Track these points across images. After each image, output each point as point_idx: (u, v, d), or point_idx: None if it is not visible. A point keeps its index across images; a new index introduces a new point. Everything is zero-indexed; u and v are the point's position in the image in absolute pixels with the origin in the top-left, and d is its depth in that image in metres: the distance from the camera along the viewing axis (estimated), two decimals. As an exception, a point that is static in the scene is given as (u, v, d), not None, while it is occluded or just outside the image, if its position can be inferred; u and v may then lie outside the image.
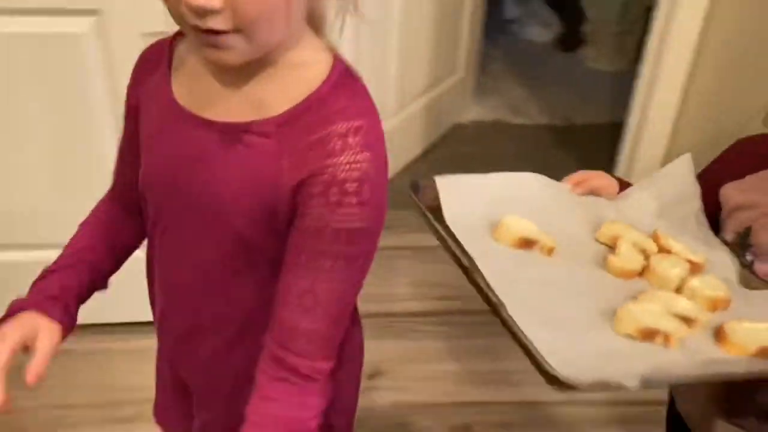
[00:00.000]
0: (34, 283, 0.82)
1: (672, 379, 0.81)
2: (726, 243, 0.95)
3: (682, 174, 1.04)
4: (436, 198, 0.95)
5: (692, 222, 1.00)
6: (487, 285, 0.81)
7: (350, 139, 0.67)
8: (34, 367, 0.73)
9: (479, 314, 1.82)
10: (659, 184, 1.05)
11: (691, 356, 0.78)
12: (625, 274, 0.91)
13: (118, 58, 1.41)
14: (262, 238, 0.72)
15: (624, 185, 1.07)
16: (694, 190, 1.01)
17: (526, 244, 0.92)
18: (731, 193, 0.96)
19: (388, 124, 2.33)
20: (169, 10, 0.64)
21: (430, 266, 1.99)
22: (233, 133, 0.69)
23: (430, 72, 2.52)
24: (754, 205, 0.93)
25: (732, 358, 0.78)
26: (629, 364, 0.74)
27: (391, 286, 1.98)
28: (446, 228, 0.91)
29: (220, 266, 0.77)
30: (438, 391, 1.68)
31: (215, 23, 0.61)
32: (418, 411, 1.64)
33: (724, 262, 0.94)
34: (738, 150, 1.01)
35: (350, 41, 1.97)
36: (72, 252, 0.85)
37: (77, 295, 0.82)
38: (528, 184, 1.03)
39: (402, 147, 2.46)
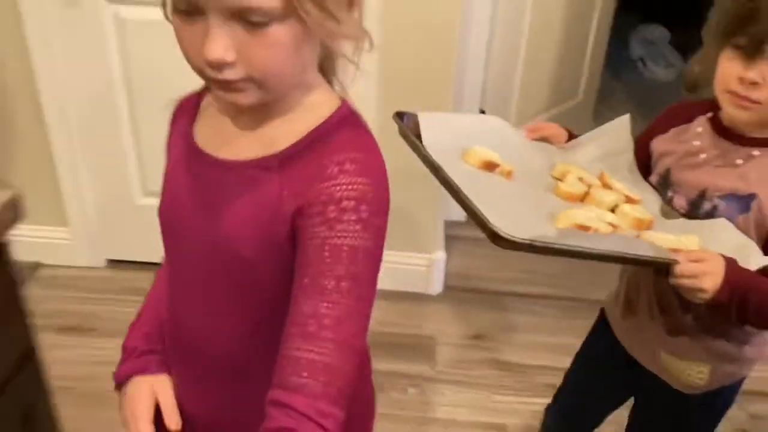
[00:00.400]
0: (124, 345, 0.89)
1: (584, 241, 0.91)
2: (652, 185, 1.15)
3: (620, 131, 1.23)
4: (417, 127, 1.08)
5: (626, 169, 1.19)
6: (450, 180, 0.96)
7: (347, 166, 0.68)
8: (172, 417, 0.84)
9: (579, 301, 2.18)
10: (601, 137, 1.22)
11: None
12: (570, 198, 1.08)
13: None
14: (269, 274, 0.72)
15: (572, 136, 1.24)
16: (628, 144, 1.21)
17: (489, 166, 1.07)
18: (657, 144, 1.17)
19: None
20: (190, 63, 0.67)
21: (542, 259, 2.29)
22: (240, 169, 0.72)
23: (551, 92, 2.82)
24: (673, 152, 1.13)
25: (636, 242, 0.96)
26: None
27: (504, 270, 2.31)
28: (422, 148, 1.05)
29: (227, 301, 0.76)
30: (527, 356, 2.01)
31: (229, 74, 0.65)
32: (508, 369, 1.97)
33: (651, 200, 1.13)
34: (668, 113, 1.21)
35: (478, 58, 2.33)
36: (150, 301, 0.91)
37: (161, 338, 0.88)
38: (495, 124, 1.20)
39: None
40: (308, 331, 0.66)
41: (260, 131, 0.73)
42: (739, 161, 1.05)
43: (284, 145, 0.71)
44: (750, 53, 0.96)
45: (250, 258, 0.71)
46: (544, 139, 1.23)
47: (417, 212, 2.14)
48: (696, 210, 1.09)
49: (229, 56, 0.64)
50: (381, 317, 2.11)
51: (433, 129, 1.08)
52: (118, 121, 2.07)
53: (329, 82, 0.77)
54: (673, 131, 1.16)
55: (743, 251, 0.98)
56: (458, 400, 1.89)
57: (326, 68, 0.75)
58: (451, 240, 2.34)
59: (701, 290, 0.94)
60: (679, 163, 1.12)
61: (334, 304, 0.66)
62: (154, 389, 0.85)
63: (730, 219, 1.04)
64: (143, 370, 0.86)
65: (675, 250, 0.96)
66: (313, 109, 0.73)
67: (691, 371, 1.13)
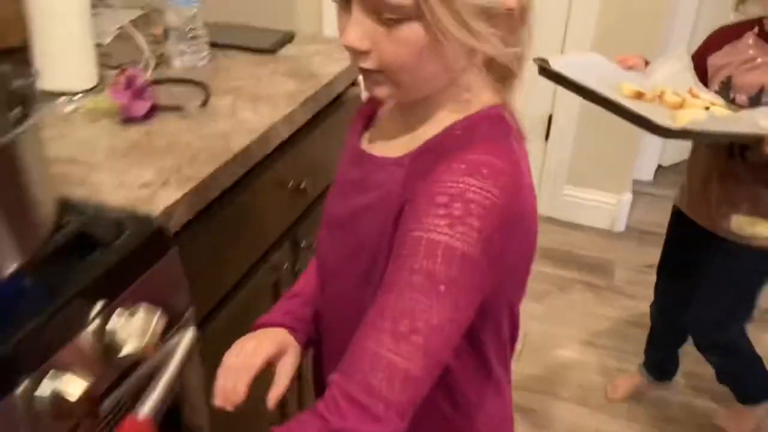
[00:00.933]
0: (279, 303, 0.89)
1: (718, 126, 1.30)
2: (716, 92, 1.46)
3: (680, 55, 1.52)
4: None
5: (694, 82, 1.47)
6: (611, 99, 1.31)
7: (456, 165, 0.66)
8: (277, 392, 0.80)
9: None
10: (668, 62, 1.51)
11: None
12: (674, 107, 1.38)
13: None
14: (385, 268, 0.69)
15: (647, 63, 1.53)
16: (690, 63, 1.50)
17: (639, 95, 1.38)
18: (714, 60, 1.49)
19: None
20: (349, 54, 0.69)
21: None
22: (383, 165, 0.73)
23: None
24: (731, 63, 1.45)
25: (742, 124, 1.32)
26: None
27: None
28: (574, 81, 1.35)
29: (357, 289, 0.76)
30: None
31: (365, 63, 0.67)
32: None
33: (720, 101, 1.43)
34: (717, 34, 1.52)
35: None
36: (305, 287, 0.91)
37: (310, 329, 0.88)
38: (600, 61, 1.47)
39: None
40: (378, 323, 0.64)
41: (409, 130, 0.74)
42: None
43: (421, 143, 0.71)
44: None
45: (371, 250, 0.72)
46: (631, 68, 1.52)
47: (611, 156, 2.50)
48: (756, 104, 1.42)
49: (363, 45, 0.66)
50: (571, 241, 2.53)
51: (572, 68, 1.38)
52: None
53: (503, 83, 0.73)
54: (726, 48, 1.48)
55: None
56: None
57: (496, 69, 0.71)
58: (635, 195, 2.69)
59: None
60: (738, 69, 1.45)
61: (411, 301, 0.63)
62: (288, 352, 0.83)
63: None
64: (294, 332, 0.85)
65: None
66: (459, 112, 0.71)
67: (759, 225, 1.49)
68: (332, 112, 1.31)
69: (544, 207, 2.56)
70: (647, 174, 2.94)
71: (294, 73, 1.29)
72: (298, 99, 1.18)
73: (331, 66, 1.32)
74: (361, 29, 0.65)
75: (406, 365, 0.62)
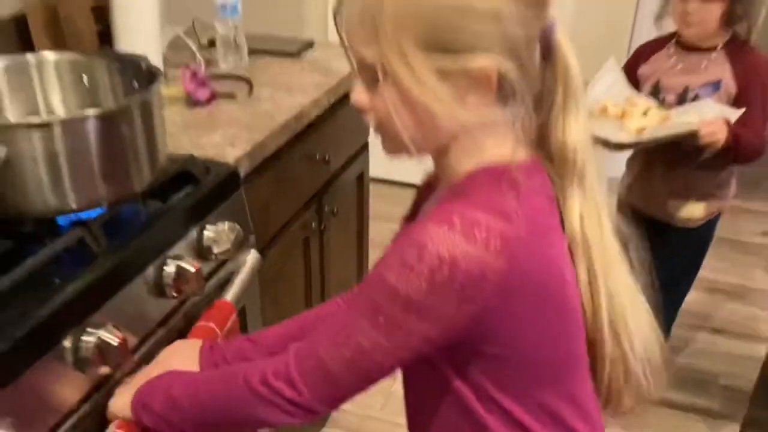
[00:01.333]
0: (239, 339, 1.00)
1: (657, 132, 1.57)
2: (648, 95, 1.71)
3: (612, 68, 1.74)
4: None
5: (629, 90, 1.71)
6: None
7: (433, 214, 0.67)
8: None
9: None
10: (604, 76, 1.73)
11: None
12: (618, 117, 1.63)
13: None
14: None
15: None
16: (622, 74, 1.74)
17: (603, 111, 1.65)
18: (644, 69, 1.76)
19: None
20: None
21: None
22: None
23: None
24: (657, 69, 1.72)
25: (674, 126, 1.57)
26: None
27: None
28: None
29: None
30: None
31: (368, 121, 0.72)
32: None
33: (653, 103, 1.68)
34: (644, 47, 1.79)
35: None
36: (265, 338, 0.97)
37: None
38: None
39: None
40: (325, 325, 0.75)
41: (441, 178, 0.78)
42: (704, 63, 1.66)
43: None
44: None
45: None
46: None
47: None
48: (683, 102, 1.68)
49: (360, 103, 0.71)
50: None
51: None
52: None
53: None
54: (653, 58, 1.76)
55: (724, 112, 1.58)
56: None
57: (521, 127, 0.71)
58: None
59: (718, 141, 1.53)
60: (665, 74, 1.72)
61: (350, 316, 0.71)
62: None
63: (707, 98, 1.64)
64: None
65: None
66: (473, 164, 0.71)
67: (693, 208, 1.74)
68: (347, 102, 1.63)
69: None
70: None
71: (316, 70, 1.61)
72: (322, 88, 1.50)
73: (345, 65, 1.63)
74: (358, 90, 0.71)
75: (330, 366, 0.70)
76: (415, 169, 0.82)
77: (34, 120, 0.99)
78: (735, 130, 1.55)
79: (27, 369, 0.76)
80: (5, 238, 0.90)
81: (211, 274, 1.08)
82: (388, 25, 0.65)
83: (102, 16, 1.64)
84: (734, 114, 1.58)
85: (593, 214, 0.73)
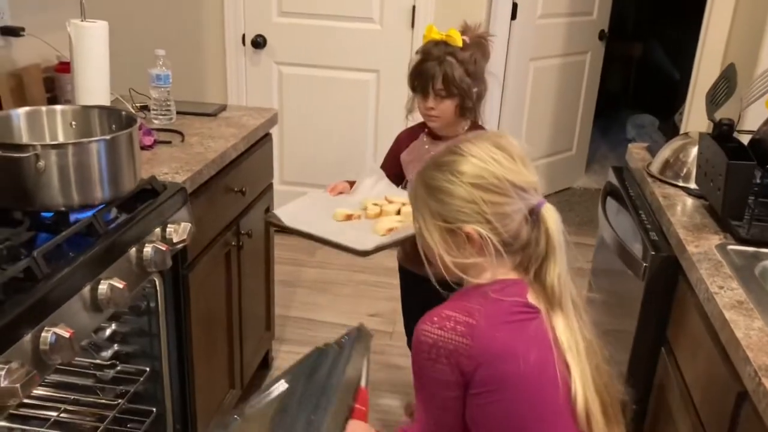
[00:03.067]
0: None
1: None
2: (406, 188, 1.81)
3: (373, 171, 1.94)
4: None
5: (387, 186, 1.88)
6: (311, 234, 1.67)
7: (429, 317, 1.06)
8: None
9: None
10: (364, 179, 1.91)
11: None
12: (375, 217, 1.75)
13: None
14: None
15: (351, 184, 1.91)
16: (381, 174, 1.91)
17: (349, 217, 1.75)
18: (405, 156, 1.89)
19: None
20: None
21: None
22: None
23: (550, 145, 4.11)
24: (416, 157, 1.83)
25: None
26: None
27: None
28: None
29: None
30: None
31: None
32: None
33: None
34: (404, 134, 1.94)
35: (495, 108, 3.62)
36: None
37: None
38: (318, 195, 1.88)
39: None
40: None
41: None
42: None
43: None
44: (424, 93, 1.77)
45: None
46: (341, 193, 1.91)
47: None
48: None
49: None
50: None
51: (292, 213, 1.76)
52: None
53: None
54: (411, 146, 1.91)
55: None
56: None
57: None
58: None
59: None
60: (423, 163, 1.55)
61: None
62: None
63: None
64: None
65: None
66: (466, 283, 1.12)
67: None
68: (257, 149, 2.11)
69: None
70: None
71: (231, 125, 2.09)
72: (237, 137, 1.97)
73: (253, 120, 2.13)
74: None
75: None
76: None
77: (60, 142, 1.42)
78: None
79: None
80: (31, 228, 1.30)
81: (173, 257, 1.50)
82: (419, 201, 1.12)
83: (51, 86, 2.06)
84: None
85: (573, 327, 1.11)
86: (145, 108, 2.12)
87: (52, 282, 1.14)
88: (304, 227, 1.70)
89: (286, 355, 2.52)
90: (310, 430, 1.18)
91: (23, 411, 1.67)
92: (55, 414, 1.65)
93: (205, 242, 1.82)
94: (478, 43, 1.78)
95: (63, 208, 1.30)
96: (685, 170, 1.77)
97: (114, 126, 1.48)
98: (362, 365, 1.34)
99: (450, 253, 1.07)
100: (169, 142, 1.88)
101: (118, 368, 1.69)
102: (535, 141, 4.00)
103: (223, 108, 2.24)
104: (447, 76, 1.72)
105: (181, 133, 1.95)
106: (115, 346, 1.69)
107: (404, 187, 1.88)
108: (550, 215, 1.06)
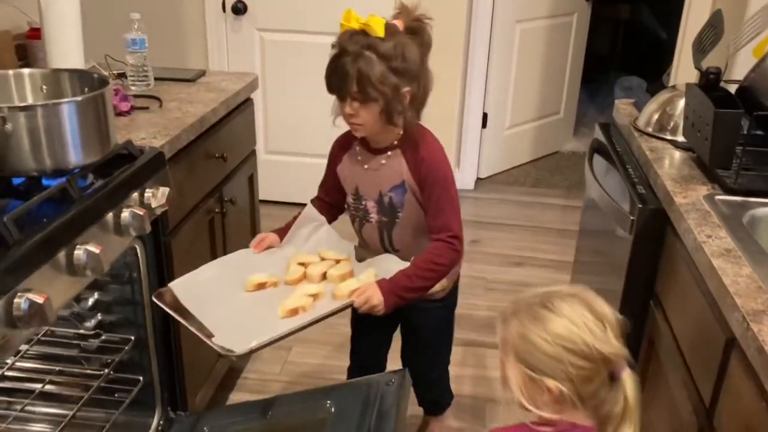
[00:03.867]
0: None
1: (286, 328, 1.35)
2: (353, 200, 1.62)
3: (310, 213, 1.66)
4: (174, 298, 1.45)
5: (326, 235, 1.65)
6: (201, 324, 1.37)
7: None
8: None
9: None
10: (300, 227, 1.65)
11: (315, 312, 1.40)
12: (295, 282, 1.51)
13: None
14: None
15: (282, 234, 1.64)
16: (321, 218, 1.66)
17: (260, 286, 1.50)
18: (341, 170, 1.61)
19: (507, 133, 3.94)
20: None
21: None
22: None
23: (538, 108, 4.08)
24: (352, 172, 1.59)
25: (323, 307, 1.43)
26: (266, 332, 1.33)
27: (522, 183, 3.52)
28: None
29: None
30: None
31: None
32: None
33: (349, 247, 1.64)
34: (336, 145, 1.64)
35: (482, 72, 3.57)
36: None
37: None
38: (236, 256, 1.62)
39: (514, 153, 4.03)
40: None
41: None
42: (385, 164, 1.53)
43: None
44: (340, 97, 1.45)
45: None
46: (269, 247, 1.63)
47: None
48: (383, 206, 1.57)
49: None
50: None
51: (189, 285, 1.50)
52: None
53: None
54: (344, 158, 1.61)
55: (399, 265, 1.52)
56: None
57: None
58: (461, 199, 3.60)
59: (376, 307, 1.44)
60: (360, 179, 1.58)
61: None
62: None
63: (402, 202, 1.54)
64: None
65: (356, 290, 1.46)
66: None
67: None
68: (238, 113, 2.07)
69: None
70: (469, 184, 3.87)
71: (210, 90, 2.04)
72: (217, 101, 1.93)
73: (233, 85, 2.08)
74: None
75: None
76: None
77: (29, 104, 1.37)
78: (396, 284, 1.47)
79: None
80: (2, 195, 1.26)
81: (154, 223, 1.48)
82: (509, 339, 1.09)
83: (24, 53, 2.01)
84: (397, 265, 1.53)
85: None
86: (122, 75, 2.06)
87: (24, 247, 1.10)
88: (191, 307, 1.43)
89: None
90: None
91: (8, 384, 1.65)
92: (39, 386, 1.64)
93: (187, 209, 1.78)
94: (415, 29, 1.47)
95: (35, 173, 1.26)
96: (672, 123, 1.74)
97: (86, 89, 1.43)
98: (406, 413, 1.35)
99: (525, 396, 1.08)
100: (147, 108, 1.84)
101: (103, 338, 1.68)
102: (523, 104, 3.97)
103: (202, 73, 2.19)
104: (363, 76, 1.39)
105: (159, 99, 1.90)
106: (99, 316, 1.67)
107: (353, 207, 1.64)
108: (630, 382, 1.06)
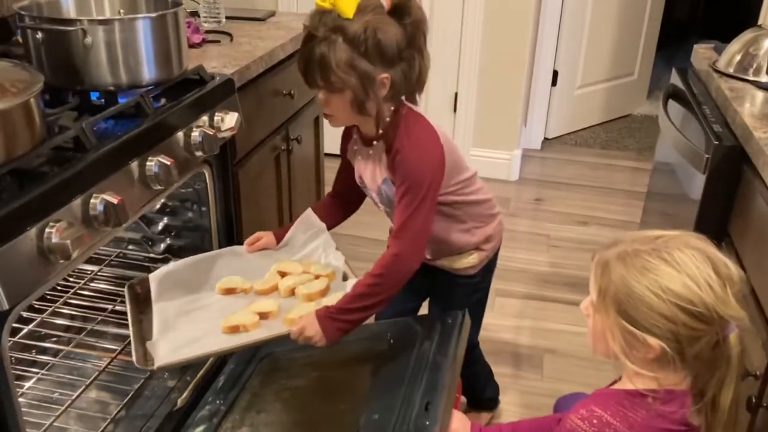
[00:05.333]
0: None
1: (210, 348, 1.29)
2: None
3: (309, 220, 1.55)
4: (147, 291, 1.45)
5: (322, 246, 1.53)
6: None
7: (578, 408, 1.04)
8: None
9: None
10: (297, 233, 1.56)
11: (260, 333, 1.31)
12: (265, 293, 1.42)
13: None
14: None
15: (279, 238, 1.55)
16: (321, 225, 1.54)
17: (229, 291, 1.43)
18: (350, 155, 1.49)
19: (577, 92, 3.84)
20: None
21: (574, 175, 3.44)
22: None
23: (610, 69, 3.95)
24: (357, 164, 1.47)
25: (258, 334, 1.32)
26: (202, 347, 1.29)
27: (555, 176, 3.47)
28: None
29: None
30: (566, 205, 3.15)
31: None
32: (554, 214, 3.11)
33: (339, 263, 1.50)
34: (344, 133, 1.50)
35: (554, 28, 3.48)
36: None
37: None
38: (226, 251, 1.56)
39: (583, 114, 3.93)
40: None
41: None
42: (374, 156, 1.40)
43: None
44: (309, 86, 1.32)
45: None
46: (263, 248, 1.55)
47: (503, 122, 3.34)
48: (382, 197, 1.45)
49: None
50: None
51: (167, 275, 1.47)
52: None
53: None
54: (350, 145, 1.48)
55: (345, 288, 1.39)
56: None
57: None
58: (528, 158, 3.56)
59: (312, 339, 1.29)
60: (363, 171, 1.46)
61: None
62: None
63: (393, 197, 1.38)
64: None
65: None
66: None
67: (454, 261, 1.56)
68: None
69: (456, 165, 3.37)
70: (536, 144, 3.80)
71: (280, 28, 2.06)
72: (286, 38, 1.94)
73: (300, 25, 2.08)
74: None
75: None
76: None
77: (107, 18, 1.42)
78: (340, 309, 1.31)
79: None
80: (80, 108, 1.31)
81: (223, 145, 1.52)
82: (609, 291, 0.99)
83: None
84: (347, 286, 1.41)
85: None
86: (195, 14, 2.10)
87: (100, 152, 1.15)
88: (156, 304, 1.41)
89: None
90: (425, 411, 1.20)
91: (83, 301, 1.73)
92: (110, 306, 1.71)
93: (255, 142, 1.82)
94: (401, 7, 1.27)
95: (111, 88, 1.31)
96: (755, 64, 1.66)
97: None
98: (463, 354, 1.32)
99: (624, 351, 1.00)
100: (218, 42, 1.87)
101: (171, 262, 1.73)
102: (595, 64, 3.85)
103: (272, 14, 2.21)
104: (326, 63, 1.24)
105: (229, 34, 1.93)
106: (168, 240, 1.73)
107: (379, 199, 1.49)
108: (736, 343, 0.97)
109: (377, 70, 1.26)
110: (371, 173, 1.44)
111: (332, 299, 1.35)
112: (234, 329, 1.32)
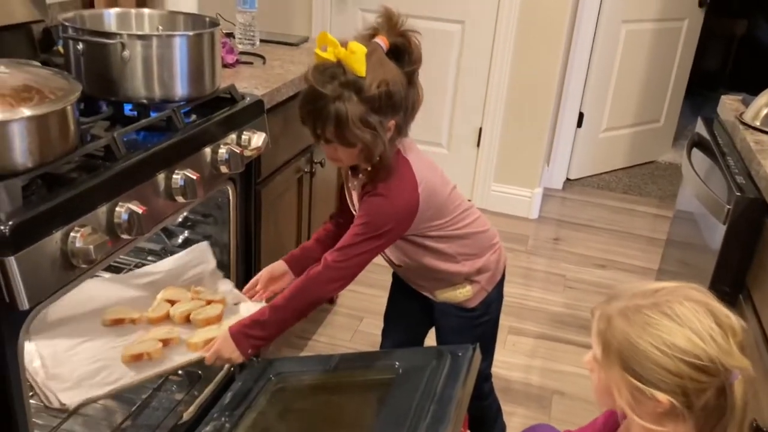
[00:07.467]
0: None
1: (122, 382, 1.27)
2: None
3: (202, 251, 1.64)
4: None
5: (209, 275, 1.60)
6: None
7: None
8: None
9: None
10: (187, 262, 1.63)
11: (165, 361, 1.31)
12: (156, 321, 1.42)
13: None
14: None
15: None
16: (211, 257, 1.63)
17: (118, 322, 1.41)
18: (348, 188, 1.50)
19: (602, 135, 3.85)
20: None
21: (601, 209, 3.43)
22: None
23: (637, 114, 3.96)
24: (352, 192, 1.49)
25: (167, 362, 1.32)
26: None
27: (576, 217, 3.46)
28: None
29: None
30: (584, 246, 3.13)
31: None
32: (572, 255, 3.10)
33: (229, 289, 1.57)
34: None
35: (582, 70, 3.51)
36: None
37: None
38: (101, 285, 1.54)
39: (607, 157, 3.94)
40: None
41: None
42: (355, 182, 1.44)
43: None
44: (315, 137, 1.34)
45: None
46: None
47: (526, 159, 3.35)
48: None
49: None
50: (496, 224, 3.33)
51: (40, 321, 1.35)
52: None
53: None
54: (343, 170, 1.49)
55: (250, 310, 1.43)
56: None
57: None
58: (550, 198, 3.56)
59: (229, 359, 1.33)
60: (351, 196, 1.50)
61: None
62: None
63: None
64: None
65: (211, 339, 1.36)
66: None
67: (445, 293, 1.56)
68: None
69: (477, 200, 3.38)
70: (558, 184, 3.80)
71: (312, 54, 2.08)
72: (318, 64, 1.98)
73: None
74: None
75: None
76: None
77: (146, 33, 1.47)
78: (250, 326, 1.35)
79: (142, 183, 1.20)
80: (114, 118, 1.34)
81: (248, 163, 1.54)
82: (612, 348, 0.97)
83: (143, 2, 2.12)
84: (250, 308, 1.47)
85: None
86: (230, 35, 2.16)
87: (128, 163, 1.18)
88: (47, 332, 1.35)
89: (348, 293, 2.55)
90: None
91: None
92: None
93: (279, 163, 1.84)
94: (400, 47, 1.31)
95: (144, 101, 1.34)
96: (782, 118, 1.66)
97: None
98: (471, 389, 1.33)
99: (631, 406, 0.99)
100: (251, 63, 1.92)
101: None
102: (621, 108, 3.86)
103: (305, 39, 2.26)
104: (340, 121, 1.25)
105: (263, 57, 1.97)
106: (187, 254, 1.75)
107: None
108: (740, 389, 0.96)
109: (387, 119, 1.29)
110: (357, 201, 1.46)
111: (230, 322, 1.37)
112: (137, 357, 1.30)
